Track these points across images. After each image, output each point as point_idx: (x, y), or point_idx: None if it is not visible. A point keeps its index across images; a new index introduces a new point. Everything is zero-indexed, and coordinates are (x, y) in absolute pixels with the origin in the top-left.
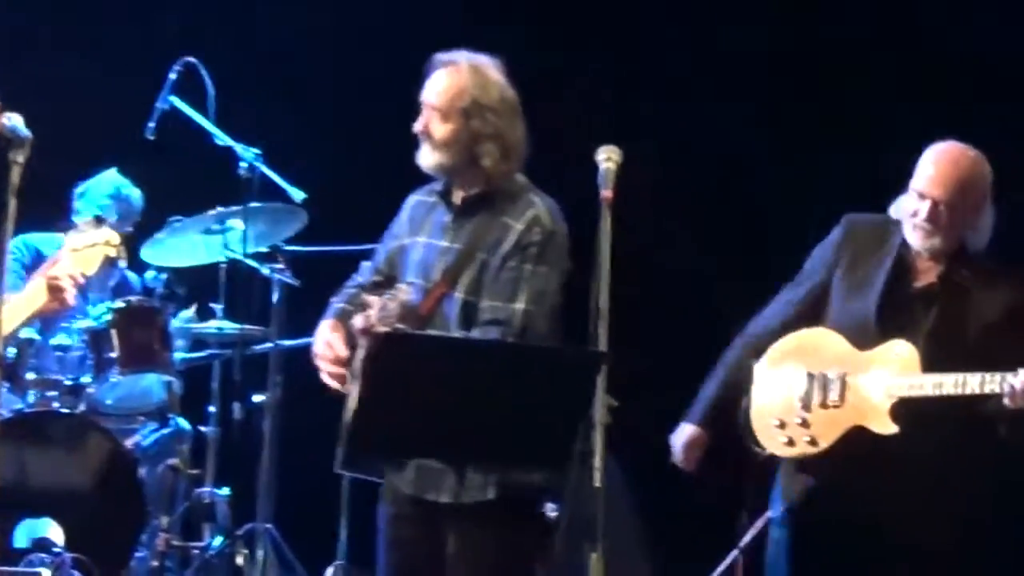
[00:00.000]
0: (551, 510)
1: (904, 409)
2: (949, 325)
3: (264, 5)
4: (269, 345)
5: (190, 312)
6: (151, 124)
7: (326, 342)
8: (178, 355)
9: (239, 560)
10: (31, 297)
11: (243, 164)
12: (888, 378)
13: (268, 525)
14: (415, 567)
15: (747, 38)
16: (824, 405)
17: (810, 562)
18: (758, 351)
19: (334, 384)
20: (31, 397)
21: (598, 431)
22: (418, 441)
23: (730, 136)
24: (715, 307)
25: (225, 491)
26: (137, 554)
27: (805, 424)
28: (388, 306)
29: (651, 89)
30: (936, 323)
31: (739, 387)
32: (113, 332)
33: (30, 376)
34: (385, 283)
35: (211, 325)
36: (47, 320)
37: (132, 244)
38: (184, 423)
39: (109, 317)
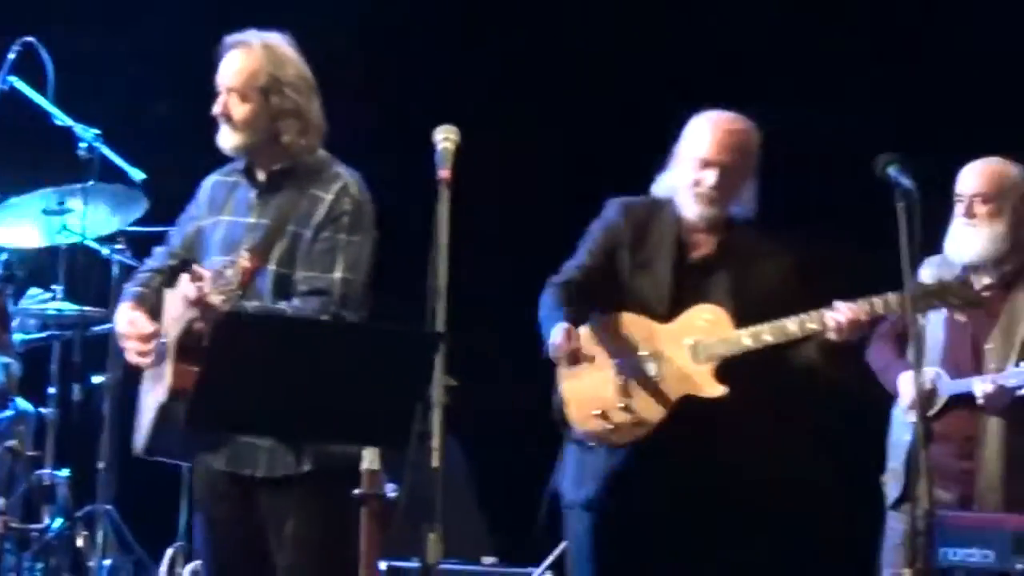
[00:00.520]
0: (391, 490)
1: (728, 370)
2: (736, 290)
3: None
4: (108, 326)
5: (43, 293)
6: None
7: (129, 321)
8: (17, 336)
9: (79, 542)
10: None
11: (82, 145)
12: (705, 341)
13: (108, 506)
14: (234, 545)
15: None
16: (644, 385)
17: (623, 550)
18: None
19: (142, 362)
20: None
21: (437, 411)
22: (257, 418)
23: (577, 119)
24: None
25: (65, 472)
26: None
27: (628, 409)
28: (226, 274)
29: (492, 71)
30: (724, 289)
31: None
32: None
33: None
34: (181, 267)
35: (51, 306)
36: None
37: None
38: (25, 404)
39: None
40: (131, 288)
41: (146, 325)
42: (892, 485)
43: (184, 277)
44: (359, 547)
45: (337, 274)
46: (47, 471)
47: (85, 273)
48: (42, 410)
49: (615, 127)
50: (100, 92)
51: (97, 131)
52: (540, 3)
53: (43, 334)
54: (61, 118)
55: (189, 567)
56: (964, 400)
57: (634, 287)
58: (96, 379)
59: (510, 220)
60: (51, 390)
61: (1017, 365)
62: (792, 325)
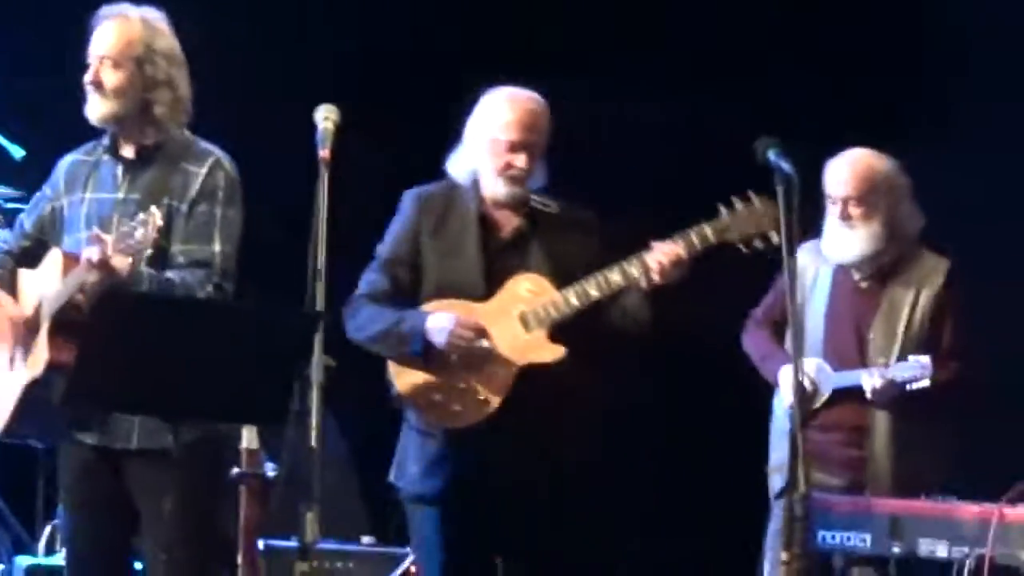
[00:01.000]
0: (269, 469)
1: (559, 334)
2: (551, 258)
3: None
4: None
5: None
6: None
7: None
8: None
9: None
10: None
11: None
12: (532, 308)
13: None
14: (102, 519)
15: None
16: (483, 363)
17: (471, 541)
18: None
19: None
20: None
21: (315, 391)
22: (136, 397)
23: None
24: None
25: None
26: None
27: (471, 389)
28: (135, 234)
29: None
30: (540, 259)
31: None
32: None
33: None
34: (34, 247)
35: None
36: None
37: None
38: None
39: None
40: None
41: (8, 301)
42: (776, 476)
43: (63, 249)
44: (238, 525)
45: (216, 247)
46: None
47: None
48: None
49: None
50: None
51: None
52: None
53: None
54: None
55: None
56: (851, 392)
57: (444, 274)
58: None
59: (391, 199)
60: None
61: (903, 357)
62: (615, 275)
